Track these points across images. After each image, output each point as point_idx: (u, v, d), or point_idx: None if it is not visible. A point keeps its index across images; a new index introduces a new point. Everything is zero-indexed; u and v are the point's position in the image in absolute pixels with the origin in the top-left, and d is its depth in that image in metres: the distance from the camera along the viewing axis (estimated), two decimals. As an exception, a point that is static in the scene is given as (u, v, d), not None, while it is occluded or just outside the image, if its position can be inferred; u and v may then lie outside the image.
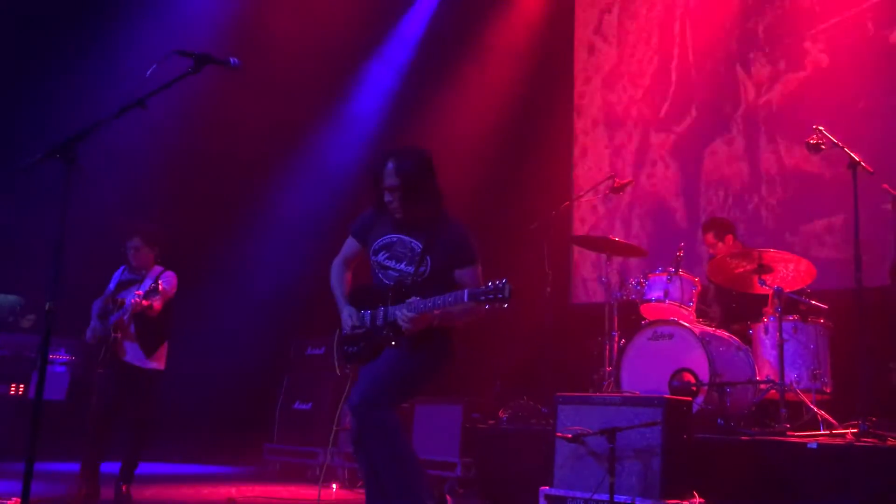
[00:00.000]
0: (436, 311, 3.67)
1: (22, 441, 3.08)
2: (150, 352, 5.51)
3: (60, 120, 6.89)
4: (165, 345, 5.63)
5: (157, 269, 5.67)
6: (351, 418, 3.82)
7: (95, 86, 7.51)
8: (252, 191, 9.26)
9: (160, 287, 5.38)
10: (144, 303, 5.29)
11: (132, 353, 5.46)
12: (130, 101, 3.06)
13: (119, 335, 5.40)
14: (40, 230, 5.55)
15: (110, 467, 5.45)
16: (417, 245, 3.85)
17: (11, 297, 8.40)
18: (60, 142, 2.93)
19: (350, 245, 4.14)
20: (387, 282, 3.88)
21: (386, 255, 3.92)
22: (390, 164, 3.78)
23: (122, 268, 5.74)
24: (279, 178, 9.41)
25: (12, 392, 7.84)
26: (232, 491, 6.13)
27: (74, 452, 5.49)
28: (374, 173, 3.84)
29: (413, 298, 3.70)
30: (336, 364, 4.00)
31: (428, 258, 3.82)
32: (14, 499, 4.72)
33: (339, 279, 4.10)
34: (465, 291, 3.56)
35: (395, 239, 3.91)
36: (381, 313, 3.82)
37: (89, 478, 5.28)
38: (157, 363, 5.58)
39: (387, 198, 3.81)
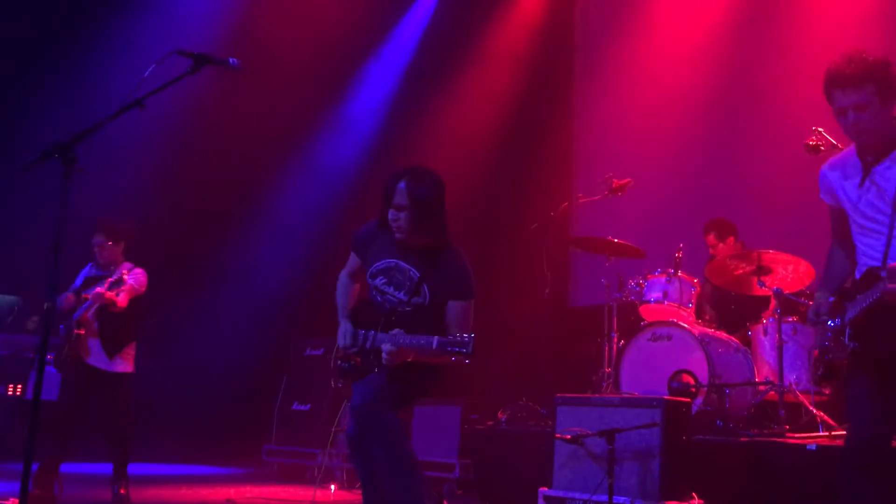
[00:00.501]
0: (411, 350, 3.65)
1: (20, 441, 3.07)
2: (112, 352, 5.33)
3: (60, 120, 6.90)
4: (133, 345, 5.47)
5: (126, 265, 5.50)
6: (350, 420, 3.82)
7: (95, 86, 7.50)
8: (251, 191, 9.25)
9: (125, 279, 5.23)
10: (108, 294, 5.13)
11: (96, 354, 5.30)
12: (129, 102, 3.05)
13: (83, 332, 5.24)
14: (39, 230, 5.54)
15: (78, 468, 5.40)
16: (415, 274, 3.80)
17: (10, 298, 8.39)
18: (59, 142, 2.93)
19: (353, 260, 4.10)
20: (386, 306, 3.87)
21: (384, 280, 3.89)
22: (402, 184, 3.71)
23: (89, 265, 5.59)
24: (278, 179, 9.41)
25: (10, 392, 7.83)
26: (230, 492, 6.12)
27: (72, 453, 5.47)
28: (386, 189, 3.77)
29: (396, 331, 3.68)
30: (332, 378, 4.01)
31: (425, 288, 3.77)
32: (12, 499, 4.71)
33: (344, 293, 4.08)
34: (434, 339, 3.54)
35: (392, 264, 3.87)
36: (371, 337, 3.79)
37: (44, 481, 5.13)
38: (124, 366, 5.40)
39: (391, 216, 3.75)
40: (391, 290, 3.84)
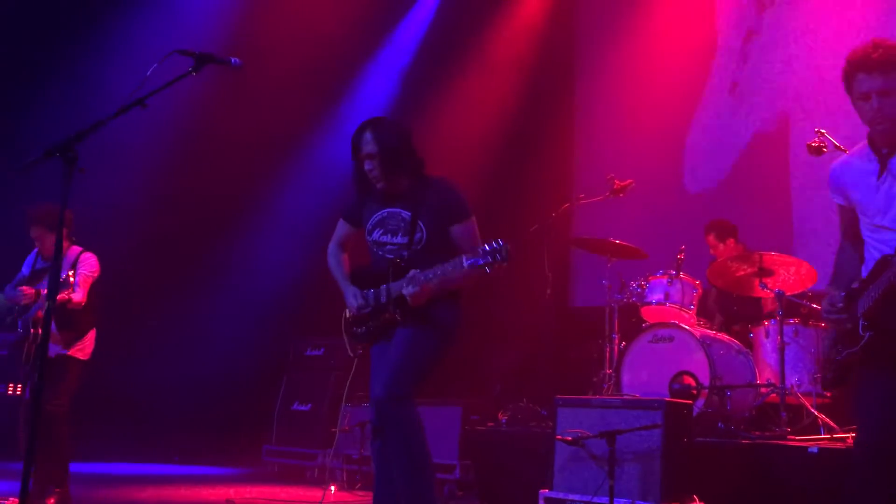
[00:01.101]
0: (435, 281, 3.65)
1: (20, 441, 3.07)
2: (71, 341, 5.16)
3: (60, 119, 6.89)
4: (92, 333, 5.30)
5: (74, 250, 5.27)
6: (372, 410, 3.84)
7: (96, 86, 7.50)
8: (250, 191, 9.24)
9: (76, 278, 5.06)
10: (60, 298, 4.93)
11: (52, 346, 5.06)
12: (130, 101, 3.05)
13: (39, 331, 5.02)
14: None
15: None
16: (407, 214, 3.84)
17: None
18: (60, 141, 2.92)
19: (341, 227, 4.15)
20: (387, 257, 3.86)
21: (380, 231, 3.92)
22: (368, 134, 3.82)
23: (35, 250, 5.40)
24: (278, 179, 9.41)
25: (10, 392, 7.81)
26: (230, 492, 6.12)
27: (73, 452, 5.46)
28: (353, 145, 3.88)
29: (413, 272, 3.68)
30: (348, 347, 4.00)
31: (420, 224, 3.82)
32: (12, 499, 4.70)
33: (336, 261, 4.10)
34: (463, 258, 3.53)
35: (385, 214, 3.91)
36: (384, 291, 3.80)
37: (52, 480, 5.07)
38: (78, 352, 5.22)
39: (367, 166, 3.83)
40: (389, 237, 3.88)
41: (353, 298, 3.90)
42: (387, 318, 3.82)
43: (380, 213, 3.93)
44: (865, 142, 3.08)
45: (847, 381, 3.05)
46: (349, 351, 4.01)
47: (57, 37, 8.04)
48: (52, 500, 5.03)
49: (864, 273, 3.04)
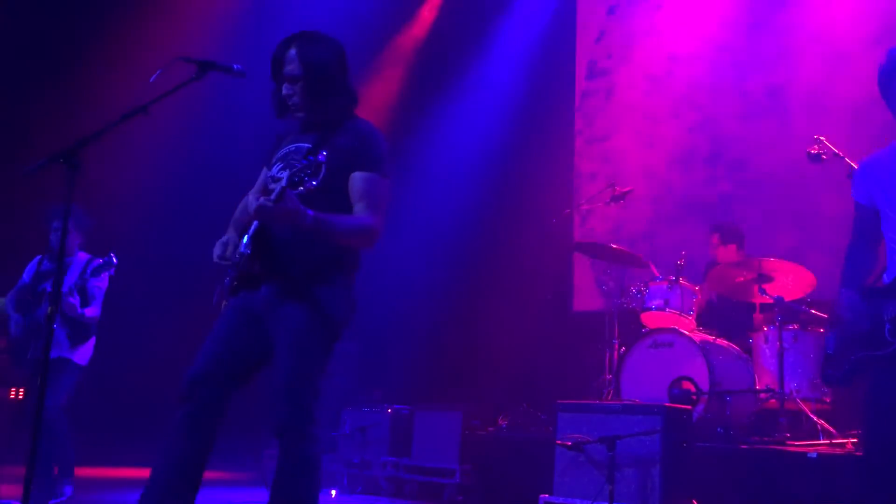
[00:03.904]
0: (312, 215, 2.86)
1: (21, 445, 3.09)
2: (77, 343, 5.27)
3: (61, 127, 6.91)
4: (93, 339, 5.40)
5: (83, 256, 5.40)
6: (190, 383, 3.18)
7: (98, 93, 7.53)
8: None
9: (94, 291, 5.21)
10: (75, 302, 5.11)
11: (58, 346, 5.18)
12: (134, 108, 3.06)
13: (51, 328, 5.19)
14: (44, 234, 5.54)
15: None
16: (306, 146, 3.13)
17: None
18: (64, 147, 2.94)
19: (263, 176, 3.39)
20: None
21: (280, 166, 3.17)
22: (293, 51, 3.12)
23: (37, 258, 5.52)
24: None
25: (12, 396, 7.83)
26: (231, 496, 6.13)
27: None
28: (274, 60, 3.17)
29: (279, 185, 2.87)
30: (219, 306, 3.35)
31: (321, 159, 2.93)
32: (14, 503, 4.72)
33: (241, 210, 3.37)
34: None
35: (292, 148, 3.19)
36: (249, 231, 3.05)
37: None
38: (79, 357, 5.32)
39: (286, 90, 3.14)
40: (286, 173, 2.94)
41: (218, 245, 3.19)
42: (244, 266, 3.07)
43: (287, 147, 3.23)
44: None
45: (852, 381, 3.03)
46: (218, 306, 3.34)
47: (61, 43, 8.07)
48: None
49: (890, 276, 3.01)
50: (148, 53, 7.39)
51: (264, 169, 3.38)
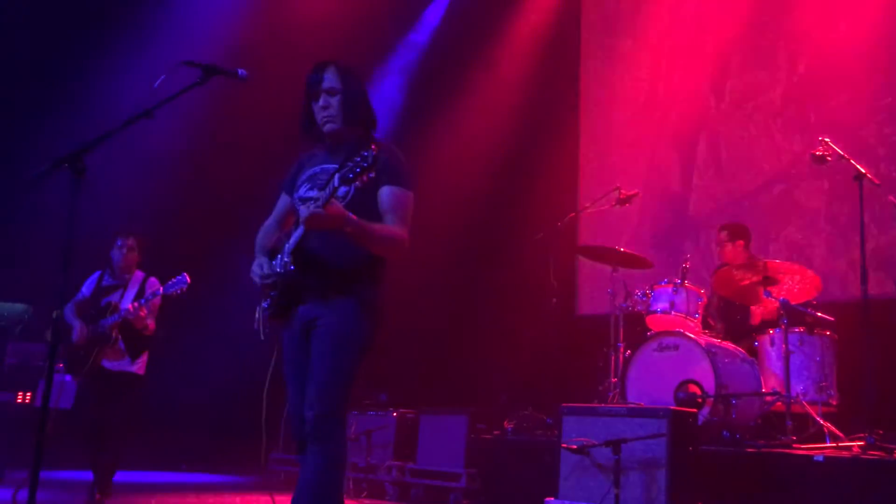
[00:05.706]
0: (352, 219, 3.05)
1: (28, 449, 3.10)
2: (135, 355, 5.51)
3: (66, 131, 6.93)
4: (147, 353, 5.63)
5: (139, 274, 5.71)
6: (296, 426, 3.36)
7: (104, 97, 7.55)
8: (257, 197, 9.25)
9: (148, 307, 5.40)
10: (142, 313, 5.33)
11: (117, 363, 5.46)
12: (138, 112, 3.07)
13: (115, 335, 5.38)
14: (49, 239, 5.56)
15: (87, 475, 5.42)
16: (332, 167, 3.22)
17: (19, 306, 8.41)
18: (69, 152, 2.95)
19: (282, 202, 3.58)
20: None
21: (307, 187, 3.36)
22: (332, 68, 3.39)
23: (97, 273, 5.70)
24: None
25: (19, 400, 7.84)
26: (237, 500, 6.13)
27: (81, 461, 5.49)
28: (311, 81, 3.40)
29: (316, 192, 3.16)
30: (259, 331, 3.51)
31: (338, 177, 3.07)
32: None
33: (263, 234, 3.55)
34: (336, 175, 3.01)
35: (318, 170, 3.37)
36: (286, 249, 3.22)
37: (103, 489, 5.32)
38: (138, 368, 5.56)
39: (322, 102, 3.36)
40: (315, 193, 3.20)
41: (257, 268, 3.35)
42: (289, 279, 3.22)
43: (314, 168, 3.41)
44: None
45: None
46: (261, 335, 3.53)
47: (67, 47, 8.09)
48: (99, 496, 5.30)
49: None
50: (154, 56, 7.43)
51: (283, 195, 3.57)
